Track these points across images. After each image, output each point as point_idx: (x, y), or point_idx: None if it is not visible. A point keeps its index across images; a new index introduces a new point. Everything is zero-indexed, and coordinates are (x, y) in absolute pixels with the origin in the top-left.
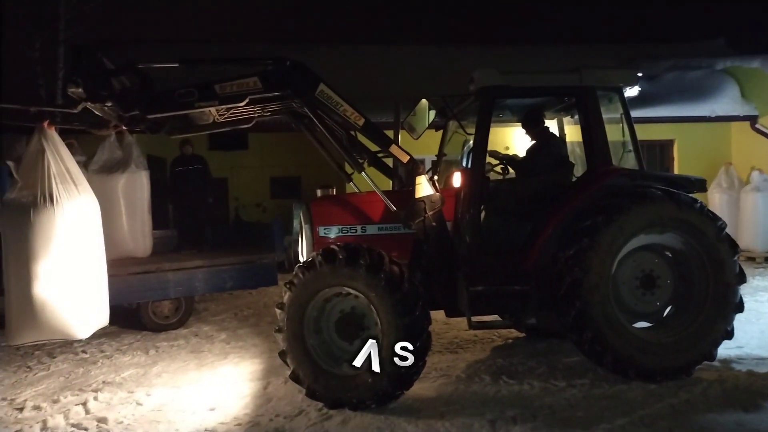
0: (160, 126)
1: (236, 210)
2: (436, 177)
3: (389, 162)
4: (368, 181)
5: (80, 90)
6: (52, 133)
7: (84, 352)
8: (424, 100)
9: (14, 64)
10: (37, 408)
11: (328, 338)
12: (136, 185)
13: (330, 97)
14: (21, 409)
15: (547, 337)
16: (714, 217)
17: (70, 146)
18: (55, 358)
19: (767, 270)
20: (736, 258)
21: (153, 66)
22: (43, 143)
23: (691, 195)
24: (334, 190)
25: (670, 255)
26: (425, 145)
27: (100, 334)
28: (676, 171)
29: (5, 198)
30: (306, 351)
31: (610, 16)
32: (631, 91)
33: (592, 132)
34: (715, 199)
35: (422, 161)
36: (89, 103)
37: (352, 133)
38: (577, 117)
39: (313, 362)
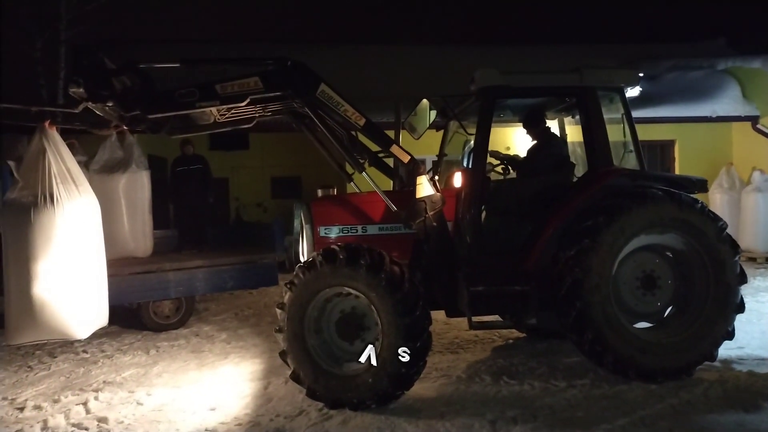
0: (160, 126)
1: (237, 210)
2: (436, 177)
3: (390, 162)
4: (369, 181)
5: (81, 90)
6: (53, 133)
7: (85, 351)
8: (424, 100)
9: (15, 63)
10: (37, 408)
11: (329, 338)
12: (137, 185)
13: (331, 97)
14: (22, 409)
15: (547, 337)
16: (715, 218)
17: (71, 146)
18: (55, 357)
19: None
20: (736, 258)
21: (154, 66)
22: (44, 143)
23: (692, 195)
24: (335, 190)
25: (670, 255)
26: (426, 145)
27: (100, 334)
28: (677, 171)
29: (6, 198)
30: (306, 351)
31: (611, 16)
32: (632, 92)
33: (593, 132)
34: (716, 200)
35: (423, 161)
36: (90, 103)
37: (353, 133)
38: (578, 117)
39: (313, 362)
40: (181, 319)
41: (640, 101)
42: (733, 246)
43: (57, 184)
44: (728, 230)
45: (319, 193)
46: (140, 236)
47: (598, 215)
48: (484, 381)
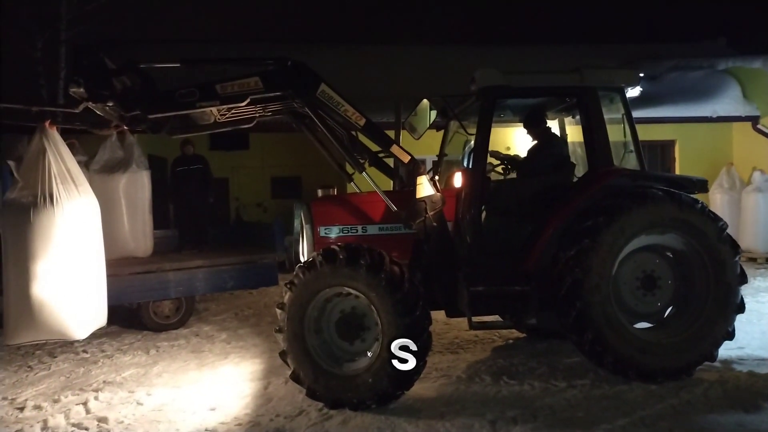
0: (161, 126)
1: (237, 210)
2: (437, 177)
3: (390, 162)
4: (369, 181)
5: (82, 90)
6: (54, 133)
7: (85, 351)
8: (425, 100)
9: (16, 63)
10: (37, 407)
11: (329, 338)
12: (137, 185)
13: (331, 97)
14: (22, 409)
15: (547, 337)
16: (715, 218)
17: (71, 146)
18: (56, 357)
19: None
20: (737, 258)
21: (154, 66)
22: (44, 143)
23: (692, 195)
24: (335, 190)
25: (671, 255)
26: (426, 145)
27: (100, 334)
28: (677, 171)
29: (6, 198)
30: (306, 351)
31: (611, 16)
32: (633, 92)
33: (594, 132)
34: (717, 200)
35: (423, 161)
36: (90, 103)
37: (353, 133)
38: (578, 117)
39: (313, 362)
40: (181, 319)
41: (640, 101)
42: (734, 246)
43: (57, 184)
44: (728, 230)
45: (319, 193)
46: (140, 236)
47: (599, 215)
48: (484, 381)
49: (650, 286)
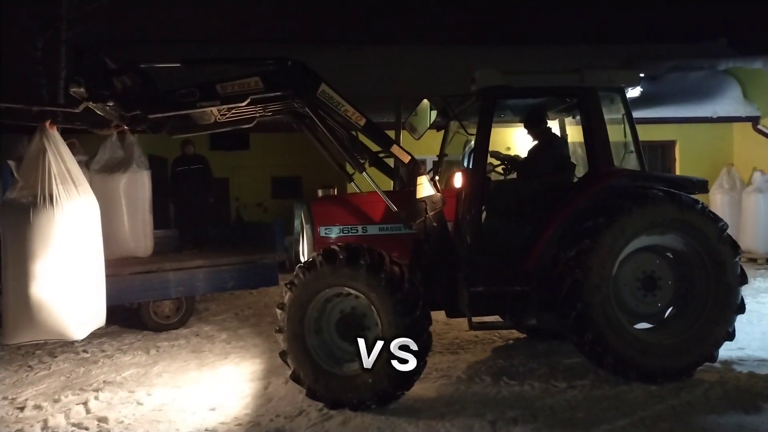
0: (161, 126)
1: (237, 210)
2: (437, 177)
3: (390, 162)
4: (369, 182)
5: (82, 90)
6: (54, 133)
7: (85, 351)
8: (425, 101)
9: (16, 63)
10: (38, 407)
11: (329, 338)
12: (137, 185)
13: (331, 97)
14: (22, 409)
15: (547, 338)
16: (715, 218)
17: (71, 146)
18: (56, 357)
19: None
20: (737, 259)
21: (155, 66)
22: (44, 143)
23: (692, 196)
24: (335, 190)
25: (671, 256)
26: (426, 146)
27: (101, 334)
28: (677, 172)
29: (5, 198)
30: (306, 351)
31: (612, 16)
32: (633, 92)
33: (594, 133)
34: (717, 200)
35: (423, 161)
36: (91, 103)
37: (354, 133)
38: (578, 117)
39: (313, 362)
40: (181, 319)
41: (640, 102)
42: (734, 247)
43: (57, 184)
44: (729, 231)
45: (320, 193)
46: (141, 236)
47: (599, 216)
48: (485, 381)
49: (650, 286)
